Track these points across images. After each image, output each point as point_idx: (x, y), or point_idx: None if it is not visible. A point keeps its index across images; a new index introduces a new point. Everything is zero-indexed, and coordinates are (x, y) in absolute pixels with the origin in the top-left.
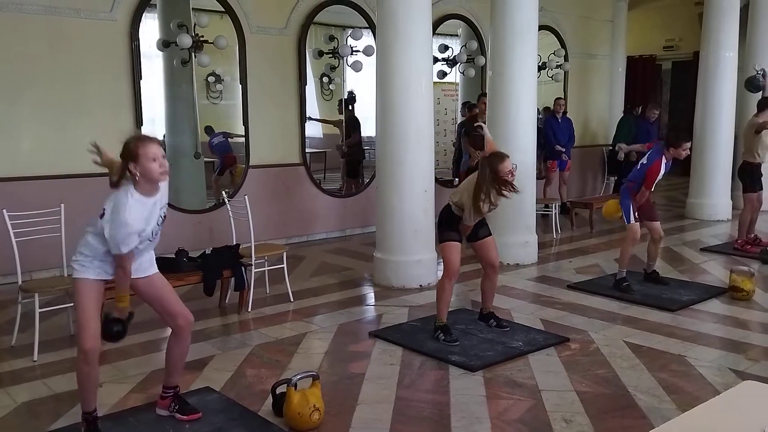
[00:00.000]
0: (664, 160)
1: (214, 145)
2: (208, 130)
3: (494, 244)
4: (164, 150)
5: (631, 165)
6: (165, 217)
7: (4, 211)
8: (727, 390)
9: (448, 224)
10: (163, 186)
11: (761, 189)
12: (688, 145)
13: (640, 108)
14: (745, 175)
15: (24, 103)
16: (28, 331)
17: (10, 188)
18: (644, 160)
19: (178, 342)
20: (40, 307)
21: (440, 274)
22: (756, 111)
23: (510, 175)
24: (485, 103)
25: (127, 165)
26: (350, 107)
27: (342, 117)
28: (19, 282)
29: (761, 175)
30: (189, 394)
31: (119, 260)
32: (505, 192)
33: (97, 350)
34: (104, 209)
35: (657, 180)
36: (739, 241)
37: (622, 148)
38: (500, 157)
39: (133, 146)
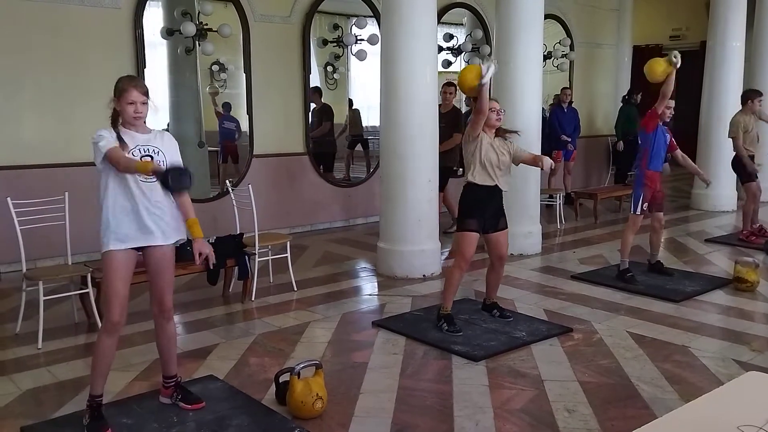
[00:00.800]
0: (658, 127)
1: (224, 127)
2: (226, 106)
3: (507, 237)
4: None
5: (631, 155)
6: (151, 157)
7: (9, 199)
8: (731, 380)
9: (467, 211)
10: (168, 140)
11: (757, 178)
12: (672, 103)
13: (639, 95)
14: (739, 166)
15: (28, 92)
16: (33, 318)
17: (15, 176)
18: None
19: (157, 330)
20: (44, 295)
21: (444, 264)
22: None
23: (495, 114)
24: (448, 92)
25: (112, 99)
26: (351, 107)
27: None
28: (24, 270)
29: (754, 163)
30: (192, 383)
31: (113, 161)
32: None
33: (123, 325)
34: None
35: (660, 146)
36: (744, 232)
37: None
38: (491, 99)
39: (119, 86)
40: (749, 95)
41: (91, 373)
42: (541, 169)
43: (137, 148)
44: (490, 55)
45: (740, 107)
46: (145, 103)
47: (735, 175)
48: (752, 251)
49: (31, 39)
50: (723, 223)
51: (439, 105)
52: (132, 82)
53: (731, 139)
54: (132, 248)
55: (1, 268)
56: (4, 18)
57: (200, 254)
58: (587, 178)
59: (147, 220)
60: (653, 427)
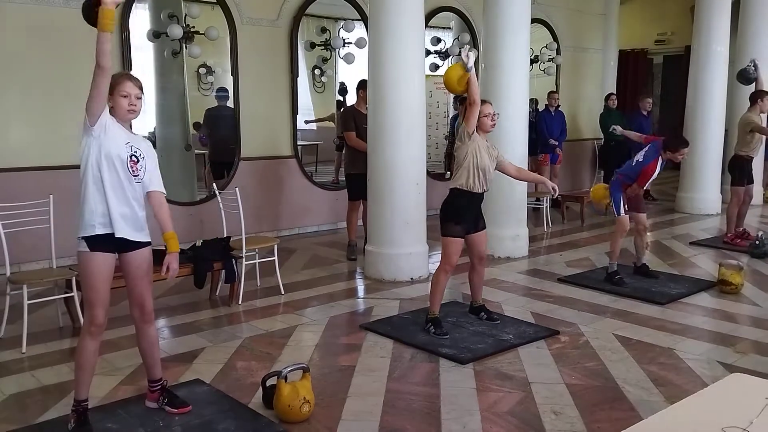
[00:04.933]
0: (660, 161)
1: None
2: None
3: (486, 236)
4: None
5: (620, 158)
6: (137, 159)
7: None
8: (715, 382)
9: (451, 216)
10: (149, 148)
11: (750, 183)
12: (686, 151)
13: (615, 97)
14: (735, 168)
15: (13, 94)
16: (17, 322)
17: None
18: (640, 158)
19: (139, 334)
20: (28, 299)
21: (431, 267)
22: (749, 105)
23: (489, 118)
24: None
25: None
26: (343, 98)
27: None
28: (8, 273)
29: (751, 169)
30: (179, 387)
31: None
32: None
33: (105, 327)
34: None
35: (651, 179)
36: (729, 235)
37: (617, 130)
38: (484, 102)
39: (113, 80)
40: (759, 95)
41: (75, 378)
42: (550, 194)
43: (128, 145)
44: (469, 45)
45: (724, 108)
46: (140, 98)
47: (719, 179)
48: (737, 254)
49: (17, 41)
50: (708, 226)
51: (360, 106)
52: (126, 74)
53: (750, 132)
54: (109, 252)
55: None
56: None
57: (168, 268)
58: (574, 181)
59: (120, 212)
60: (639, 428)
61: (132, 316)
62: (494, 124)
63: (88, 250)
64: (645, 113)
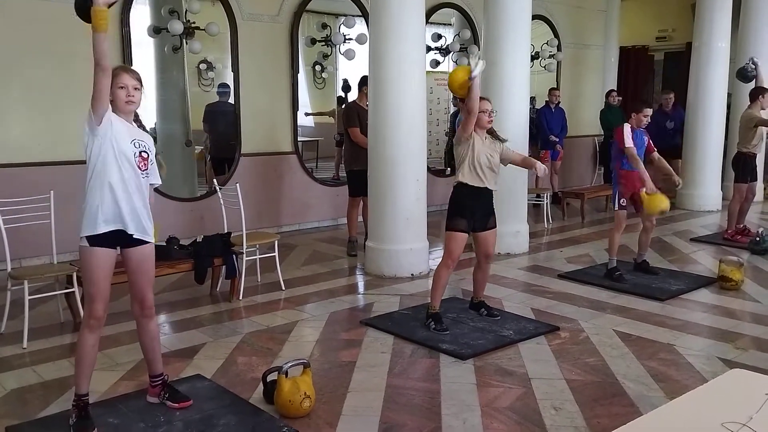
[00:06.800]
0: (628, 127)
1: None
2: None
3: (495, 235)
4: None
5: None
6: (148, 155)
7: None
8: (715, 378)
9: (456, 211)
10: (148, 138)
11: (753, 180)
12: (649, 111)
13: (617, 94)
14: (738, 165)
15: (13, 89)
16: (18, 318)
17: (0, 175)
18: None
19: (139, 329)
20: (29, 294)
21: (432, 263)
22: (749, 102)
23: (487, 115)
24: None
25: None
26: (345, 95)
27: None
28: (9, 269)
29: (755, 166)
30: (180, 382)
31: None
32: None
33: (104, 321)
34: None
35: (632, 146)
36: (729, 232)
37: None
38: (482, 99)
39: (112, 72)
40: (759, 92)
41: (75, 372)
42: (536, 174)
43: (134, 142)
44: (478, 52)
45: (725, 105)
46: (138, 89)
47: (720, 176)
48: (737, 250)
49: (17, 36)
50: (708, 223)
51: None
52: (122, 67)
53: (755, 128)
54: (110, 247)
55: None
56: None
57: None
58: (574, 177)
59: (131, 208)
60: (638, 424)
61: (133, 311)
62: (491, 121)
63: (88, 245)
64: (667, 110)
